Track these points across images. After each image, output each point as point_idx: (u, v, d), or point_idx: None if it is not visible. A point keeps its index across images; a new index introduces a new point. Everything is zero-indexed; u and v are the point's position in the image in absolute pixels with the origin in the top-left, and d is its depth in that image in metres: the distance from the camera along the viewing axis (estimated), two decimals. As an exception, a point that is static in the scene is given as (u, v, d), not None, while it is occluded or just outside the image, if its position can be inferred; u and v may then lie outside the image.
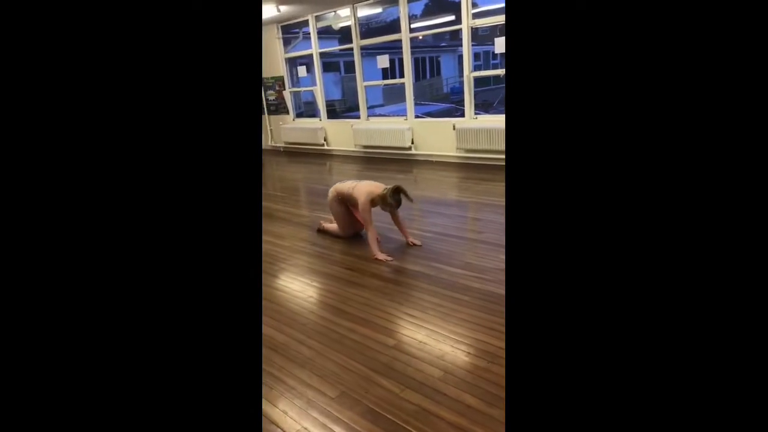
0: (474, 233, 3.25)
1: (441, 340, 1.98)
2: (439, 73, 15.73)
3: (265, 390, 1.75)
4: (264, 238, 3.56)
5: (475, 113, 5.56)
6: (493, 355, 1.84)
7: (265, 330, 2.19)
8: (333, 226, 3.48)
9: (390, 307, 2.31)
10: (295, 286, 2.70)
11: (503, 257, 2.76)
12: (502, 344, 1.89)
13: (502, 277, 2.51)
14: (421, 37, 6.73)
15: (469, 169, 5.32)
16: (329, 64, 9.39)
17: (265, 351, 2.01)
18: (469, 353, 1.87)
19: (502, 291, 2.35)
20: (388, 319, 2.20)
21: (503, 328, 2.01)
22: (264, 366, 1.90)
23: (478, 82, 5.68)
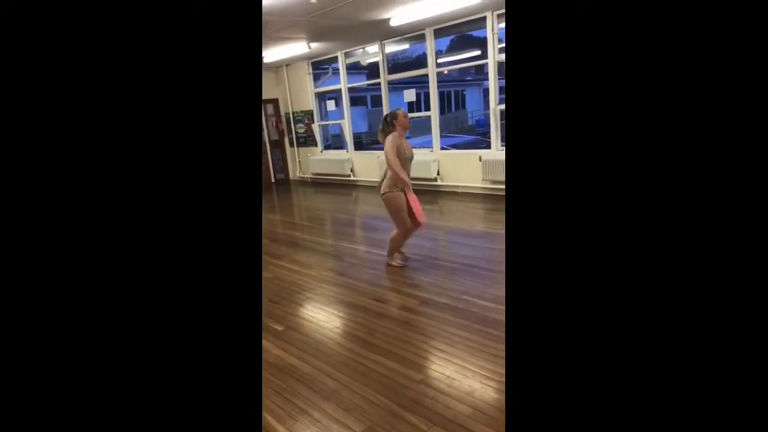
0: (502, 265, 3.19)
1: (470, 376, 1.92)
2: (463, 106, 15.92)
3: (290, 422, 1.72)
4: (290, 267, 3.58)
5: (502, 145, 5.56)
6: (525, 393, 1.76)
7: (291, 360, 2.17)
8: (393, 234, 3.31)
9: (418, 340, 2.27)
10: (321, 316, 2.68)
11: (533, 291, 2.69)
12: (535, 382, 1.82)
13: (533, 311, 2.44)
14: (446, 72, 6.85)
15: (495, 200, 5.28)
16: (357, 98, 9.64)
17: (290, 382, 1.99)
18: (499, 390, 1.80)
19: (533, 326, 2.28)
20: (416, 353, 2.15)
21: (535, 365, 1.94)
22: (289, 397, 1.88)
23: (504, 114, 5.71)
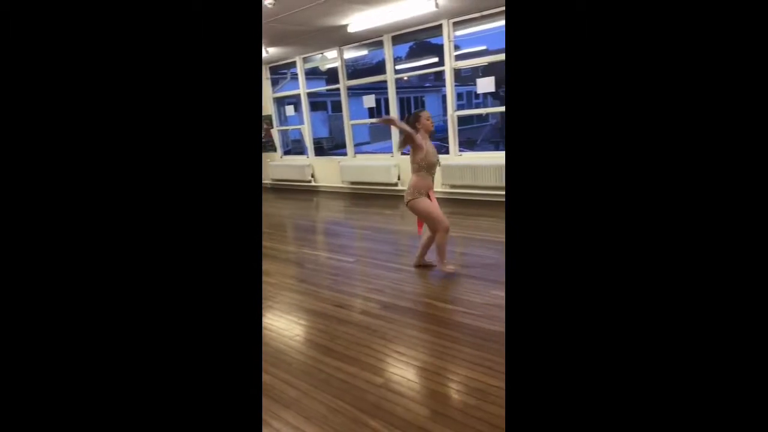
0: (462, 268, 3.25)
1: (430, 378, 1.94)
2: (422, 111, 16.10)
3: (249, 434, 1.68)
4: (250, 275, 3.51)
5: (460, 150, 5.68)
6: (483, 392, 1.80)
7: (250, 370, 2.13)
8: (426, 238, 3.19)
9: (379, 344, 2.28)
10: (281, 324, 2.65)
11: (493, 292, 2.76)
12: (493, 382, 1.86)
13: (492, 312, 2.50)
14: (406, 78, 6.94)
15: (454, 204, 5.38)
16: (317, 103, 9.59)
17: (249, 393, 1.95)
18: (459, 391, 1.84)
19: (492, 327, 2.34)
20: (377, 357, 2.15)
21: (494, 365, 1.99)
22: (248, 408, 1.84)
23: (462, 120, 5.84)
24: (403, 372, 2.01)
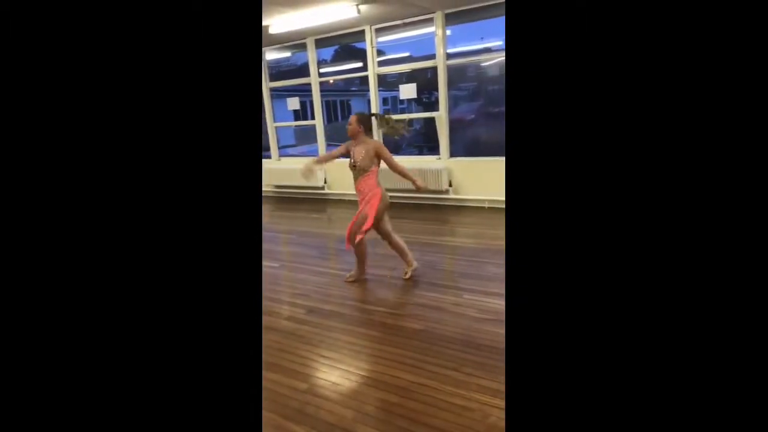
0: (388, 270, 3.32)
1: (354, 380, 1.97)
2: (350, 115, 16.18)
3: (164, 453, 1.61)
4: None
5: (385, 154, 5.78)
6: (404, 389, 1.86)
7: (166, 386, 2.02)
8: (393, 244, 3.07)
9: (303, 349, 2.26)
10: (201, 335, 2.54)
11: (416, 292, 2.85)
12: (414, 378, 1.93)
13: (416, 311, 2.59)
14: (331, 82, 6.94)
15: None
16: (239, 104, 9.28)
17: (165, 409, 1.85)
18: (382, 390, 1.88)
19: (414, 325, 2.42)
20: (301, 363, 2.14)
21: (415, 362, 2.06)
22: (164, 426, 1.75)
23: (387, 124, 5.95)
24: (327, 375, 2.02)
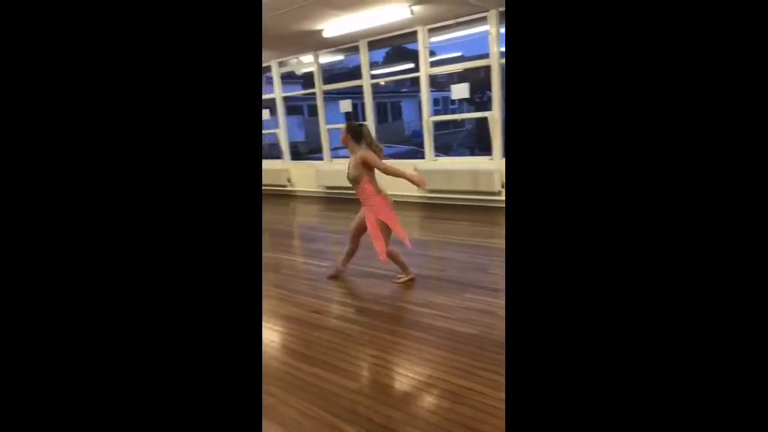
0: (437, 272, 3.29)
1: (405, 382, 1.96)
2: (400, 116, 16.25)
3: (221, 442, 1.67)
4: (224, 281, 3.46)
5: (435, 155, 5.75)
6: (456, 395, 1.83)
7: (224, 378, 2.10)
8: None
9: (353, 349, 2.28)
10: (256, 330, 2.62)
11: (467, 295, 2.80)
12: (466, 384, 1.89)
13: (466, 315, 2.54)
14: (383, 83, 6.99)
15: (430, 208, 5.43)
16: (293, 107, 9.55)
17: (222, 400, 1.92)
18: (432, 394, 1.86)
19: (465, 329, 2.37)
20: (351, 362, 2.16)
21: (467, 368, 2.02)
22: (221, 417, 1.82)
23: (438, 125, 5.91)
24: (377, 376, 2.02)
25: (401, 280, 3.11)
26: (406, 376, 2.00)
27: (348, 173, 3.03)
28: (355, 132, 2.94)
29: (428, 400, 1.82)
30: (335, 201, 6.44)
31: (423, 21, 4.99)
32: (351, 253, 3.26)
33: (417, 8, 4.37)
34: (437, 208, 5.39)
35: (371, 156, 2.92)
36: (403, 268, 3.12)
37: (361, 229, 3.09)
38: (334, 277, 3.29)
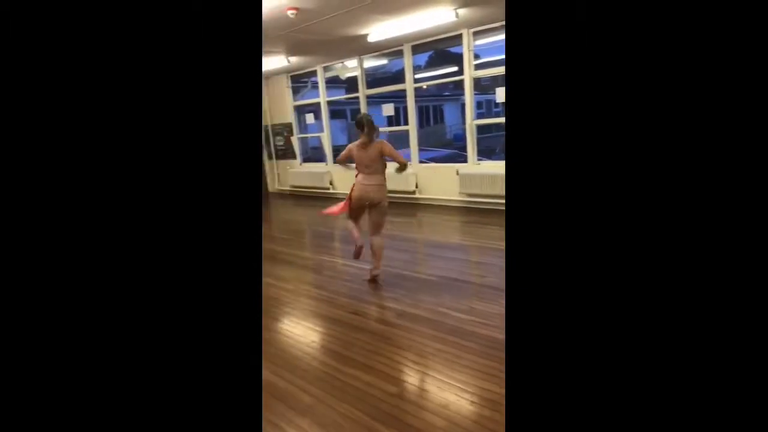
0: (478, 277, 3.24)
1: (445, 388, 1.94)
2: (442, 120, 16.14)
3: (264, 439, 1.71)
4: (267, 280, 3.56)
5: (478, 159, 5.67)
6: (497, 404, 1.79)
7: (266, 376, 2.15)
8: (381, 242, 3.30)
9: (393, 353, 2.28)
10: (298, 330, 2.67)
11: (508, 303, 2.74)
12: (508, 393, 1.85)
13: (507, 323, 2.48)
14: (425, 87, 6.96)
15: (472, 213, 5.36)
16: (336, 111, 9.69)
17: (265, 398, 1.97)
18: (473, 402, 1.83)
19: (506, 337, 2.32)
20: (392, 366, 2.16)
21: (508, 376, 1.97)
22: (264, 413, 1.86)
23: (481, 129, 5.82)
24: (417, 381, 2.01)
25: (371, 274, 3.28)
26: (446, 383, 1.97)
27: (365, 163, 3.13)
28: (358, 123, 3.12)
29: (468, 408, 1.79)
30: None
31: (468, 24, 4.95)
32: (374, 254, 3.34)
33: (462, 11, 4.33)
34: (478, 213, 5.31)
35: (388, 146, 3.17)
36: (376, 260, 3.28)
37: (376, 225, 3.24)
38: (373, 280, 3.30)
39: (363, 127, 3.09)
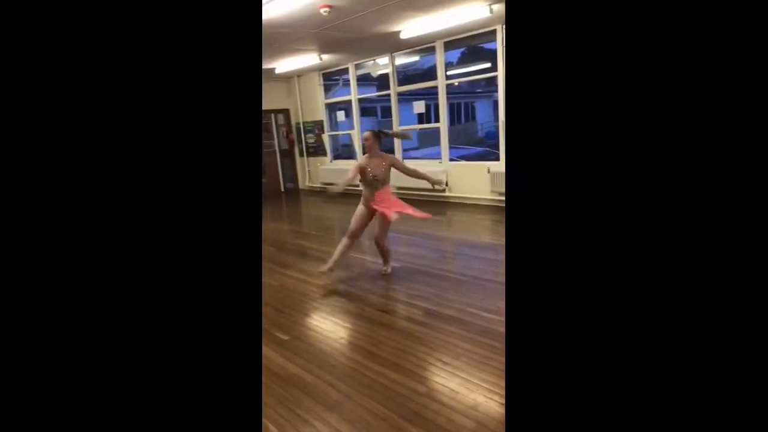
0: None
1: (474, 390, 1.91)
2: (473, 117, 15.92)
3: (292, 433, 1.72)
4: (297, 276, 3.60)
5: (511, 157, 5.56)
6: (529, 408, 1.75)
7: (295, 370, 2.18)
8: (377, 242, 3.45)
9: (422, 352, 2.26)
10: (327, 326, 2.69)
11: (540, 304, 2.67)
12: (540, 397, 1.80)
13: (539, 325, 2.42)
14: (457, 84, 6.88)
15: (503, 212, 5.26)
16: (367, 109, 9.71)
17: (293, 392, 1.99)
18: (502, 404, 1.79)
19: (538, 340, 2.26)
20: (420, 365, 2.14)
21: (540, 380, 1.92)
22: (292, 407, 1.88)
23: (514, 126, 5.71)
24: (446, 381, 1.99)
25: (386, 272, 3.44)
26: (476, 384, 1.94)
27: (375, 175, 3.29)
28: (379, 138, 3.32)
29: (497, 410, 1.75)
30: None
31: (502, 20, 4.85)
32: (385, 255, 3.49)
33: (497, 7, 4.25)
34: (511, 212, 5.20)
35: (399, 160, 3.47)
36: (385, 259, 3.47)
37: (382, 230, 3.37)
38: (386, 273, 3.45)
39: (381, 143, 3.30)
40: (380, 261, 3.67)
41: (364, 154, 3.34)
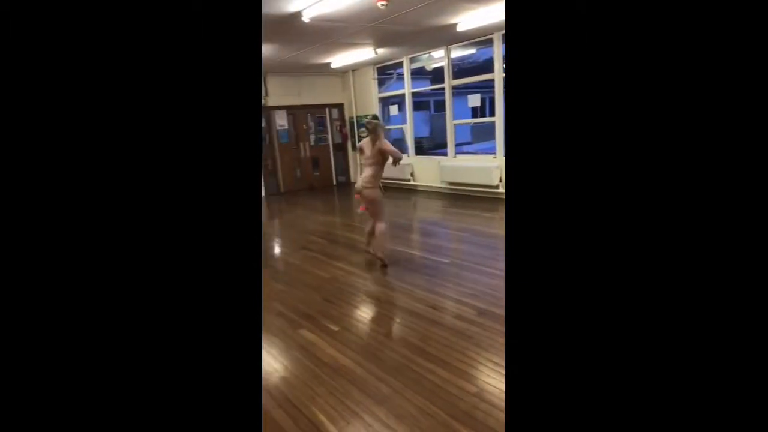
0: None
1: (527, 394, 1.84)
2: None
3: (342, 423, 1.74)
4: (347, 268, 3.64)
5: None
6: (586, 417, 1.67)
7: (345, 362, 2.20)
8: (382, 229, 3.57)
9: (472, 351, 2.22)
10: (376, 319, 2.70)
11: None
12: (598, 406, 1.71)
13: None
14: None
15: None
16: (420, 103, 9.65)
17: (343, 383, 2.01)
18: (558, 412, 1.72)
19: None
20: (470, 364, 2.10)
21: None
22: (342, 398, 1.90)
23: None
24: (497, 383, 1.94)
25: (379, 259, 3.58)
26: (528, 388, 1.88)
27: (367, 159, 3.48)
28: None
29: (553, 418, 1.68)
30: (457, 197, 6.36)
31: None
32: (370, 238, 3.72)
33: (560, -5, 4.06)
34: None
35: (387, 145, 3.45)
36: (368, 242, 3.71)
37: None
38: (384, 265, 3.57)
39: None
40: (432, 257, 3.65)
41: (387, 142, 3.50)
